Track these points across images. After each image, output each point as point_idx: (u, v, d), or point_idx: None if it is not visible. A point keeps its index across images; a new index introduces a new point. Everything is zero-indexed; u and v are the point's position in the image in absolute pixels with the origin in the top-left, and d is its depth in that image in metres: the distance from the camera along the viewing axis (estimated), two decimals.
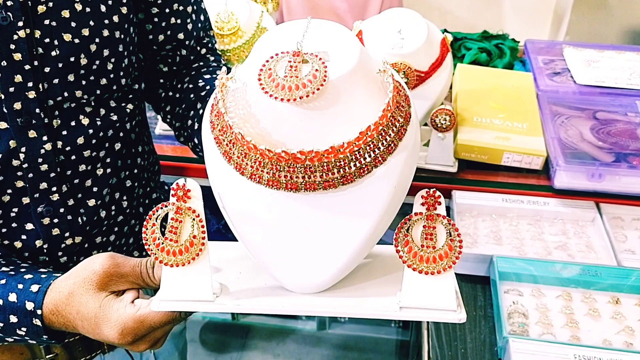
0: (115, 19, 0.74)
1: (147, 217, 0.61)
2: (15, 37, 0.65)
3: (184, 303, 0.63)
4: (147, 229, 0.61)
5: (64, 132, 0.73)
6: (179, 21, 0.85)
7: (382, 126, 0.54)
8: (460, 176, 1.19)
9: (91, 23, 0.71)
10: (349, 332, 1.99)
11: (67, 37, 0.69)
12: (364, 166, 0.54)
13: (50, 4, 0.67)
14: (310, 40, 0.56)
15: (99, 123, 0.76)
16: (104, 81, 0.74)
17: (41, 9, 0.67)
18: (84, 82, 0.72)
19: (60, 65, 0.69)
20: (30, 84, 0.67)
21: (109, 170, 0.79)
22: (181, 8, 0.85)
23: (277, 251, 0.60)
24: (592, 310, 0.94)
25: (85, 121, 0.74)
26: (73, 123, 0.73)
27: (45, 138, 0.70)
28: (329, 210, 0.56)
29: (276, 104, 0.53)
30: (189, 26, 0.87)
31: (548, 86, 1.34)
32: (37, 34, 0.67)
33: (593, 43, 1.50)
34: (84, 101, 0.74)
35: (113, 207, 0.82)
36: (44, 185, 0.72)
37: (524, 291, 0.98)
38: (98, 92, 0.74)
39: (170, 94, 0.90)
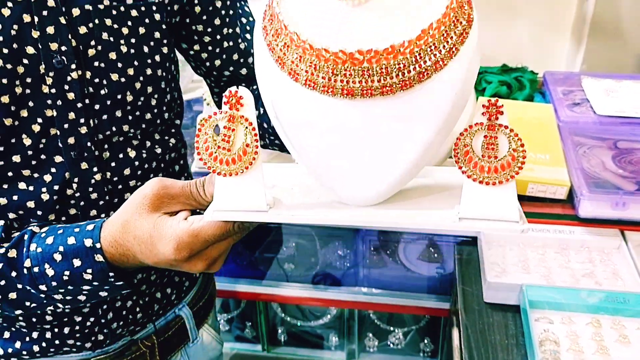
0: (157, 58, 0.79)
1: (199, 126, 0.59)
2: (69, 78, 0.71)
3: (238, 213, 0.60)
4: (199, 137, 0.59)
5: (113, 164, 0.78)
6: (231, 43, 0.89)
7: (445, 25, 0.52)
8: None
9: (135, 63, 0.76)
10: None
11: (115, 76, 0.75)
12: (424, 70, 0.52)
13: (99, 47, 0.73)
14: None
15: (144, 155, 0.81)
16: (148, 116, 0.80)
17: (91, 52, 0.72)
18: (130, 117, 0.78)
19: (108, 102, 0.75)
20: (82, 120, 0.73)
21: None
22: (230, 30, 0.89)
23: (332, 160, 0.58)
24: (621, 337, 0.94)
25: (132, 154, 0.80)
26: (121, 155, 0.79)
27: (95, 169, 0.76)
28: (386, 117, 0.54)
29: (333, 4, 0.52)
30: (242, 45, 0.90)
31: (568, 117, 1.36)
32: (88, 74, 0.73)
33: (611, 73, 1.54)
34: (131, 135, 0.79)
35: None
36: (93, 212, 0.77)
37: (554, 319, 0.99)
38: (143, 126, 0.80)
39: None
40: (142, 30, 0.76)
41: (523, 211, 1.03)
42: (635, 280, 1.03)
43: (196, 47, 0.88)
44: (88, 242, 0.68)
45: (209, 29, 0.87)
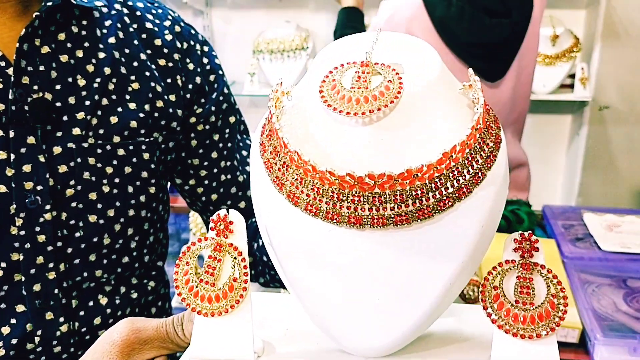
0: (142, 198, 0.72)
1: (181, 254, 0.49)
2: (42, 219, 0.64)
3: None
4: (179, 268, 0.49)
5: (82, 313, 0.69)
6: (229, 176, 0.82)
7: (470, 148, 0.44)
8: None
9: (117, 204, 0.69)
10: None
11: (92, 218, 0.67)
12: (445, 198, 0.43)
13: (79, 187, 0.66)
14: (381, 52, 0.47)
15: (117, 302, 0.72)
16: (126, 259, 0.72)
17: (69, 192, 0.66)
18: (105, 261, 0.70)
19: (82, 245, 0.67)
20: (51, 265, 0.65)
21: None
22: (228, 163, 0.81)
23: (334, 301, 0.47)
24: None
25: (103, 301, 0.71)
26: (91, 303, 0.70)
27: (62, 320, 0.67)
28: (400, 252, 0.45)
29: (340, 121, 0.44)
30: (240, 178, 0.83)
31: (573, 253, 1.28)
32: (63, 216, 0.66)
33: (612, 207, 1.52)
34: (104, 280, 0.71)
35: None
36: None
37: None
38: (119, 270, 0.72)
39: None
40: (127, 169, 0.70)
41: None
42: None
43: (192, 181, 0.81)
44: None
45: (206, 163, 0.80)
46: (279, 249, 0.48)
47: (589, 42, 2.21)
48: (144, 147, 0.71)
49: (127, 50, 0.72)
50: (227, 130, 0.82)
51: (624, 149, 2.32)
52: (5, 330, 0.64)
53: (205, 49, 0.80)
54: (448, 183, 0.43)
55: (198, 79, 0.77)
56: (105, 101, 0.68)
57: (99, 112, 0.68)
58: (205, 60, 0.79)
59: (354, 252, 0.46)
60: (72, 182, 0.66)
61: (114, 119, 0.69)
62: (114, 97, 0.69)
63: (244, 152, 0.84)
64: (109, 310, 0.71)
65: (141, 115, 0.71)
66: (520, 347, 0.46)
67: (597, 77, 2.18)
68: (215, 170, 0.81)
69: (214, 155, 0.81)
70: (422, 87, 0.45)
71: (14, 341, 0.65)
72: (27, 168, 0.63)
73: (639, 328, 1.07)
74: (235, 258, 0.49)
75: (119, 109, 0.69)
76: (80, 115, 0.66)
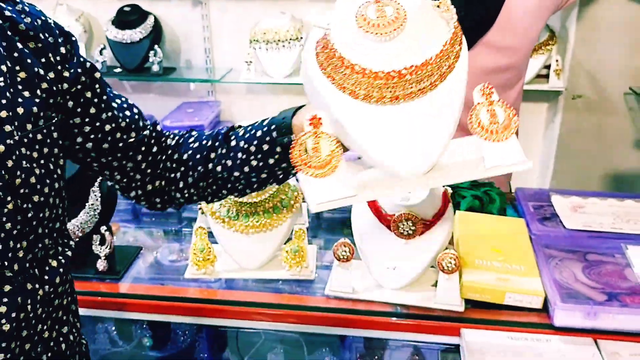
0: (59, 171, 0.80)
1: (294, 143, 0.78)
2: (6, 210, 0.72)
3: (335, 202, 0.81)
4: (294, 151, 0.79)
5: (46, 277, 0.80)
6: (113, 125, 0.88)
7: (451, 46, 0.78)
8: (468, 315, 1.20)
9: (47, 181, 0.77)
10: None
11: (36, 198, 0.75)
12: (435, 79, 0.78)
13: (23, 176, 0.73)
14: None
15: (63, 261, 0.83)
16: (57, 225, 0.82)
17: (18, 181, 0.72)
18: (46, 231, 0.79)
19: (34, 223, 0.76)
20: (18, 246, 0.74)
21: (70, 298, 0.88)
22: (109, 114, 0.88)
23: (387, 145, 0.80)
24: None
25: (54, 263, 0.81)
26: (47, 268, 0.80)
27: (37, 286, 0.78)
28: (423, 113, 0.79)
29: (371, 39, 0.77)
30: (122, 123, 0.89)
31: (540, 230, 1.38)
32: (18, 202, 0.73)
33: (577, 190, 1.65)
34: (49, 246, 0.80)
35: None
36: (39, 327, 0.80)
37: None
38: (55, 235, 0.81)
39: (173, 175, 0.96)
40: (46, 150, 0.77)
41: (501, 320, 1.14)
42: None
43: (79, 139, 0.86)
44: None
45: (87, 119, 0.85)
46: (343, 122, 0.80)
47: (564, 36, 2.32)
48: (52, 127, 0.78)
49: (4, 44, 0.74)
50: (97, 86, 0.86)
51: (594, 135, 2.44)
52: (2, 309, 0.74)
53: (52, 20, 0.83)
54: (435, 73, 0.78)
55: (62, 49, 0.82)
56: (9, 95, 0.72)
57: (9, 107, 0.72)
58: (57, 32, 0.82)
59: (395, 120, 0.79)
60: (18, 173, 0.72)
61: (20, 110, 0.73)
62: (11, 90, 0.73)
63: (118, 101, 0.90)
64: (61, 270, 0.82)
65: (37, 100, 0.76)
66: (497, 146, 0.81)
67: (570, 69, 2.29)
68: (97, 124, 0.86)
69: (92, 110, 0.85)
70: (415, 12, 0.78)
71: (13, 314, 0.75)
72: None
73: (594, 296, 1.20)
74: (329, 139, 0.80)
75: (19, 100, 0.74)
76: (3, 113, 0.71)
